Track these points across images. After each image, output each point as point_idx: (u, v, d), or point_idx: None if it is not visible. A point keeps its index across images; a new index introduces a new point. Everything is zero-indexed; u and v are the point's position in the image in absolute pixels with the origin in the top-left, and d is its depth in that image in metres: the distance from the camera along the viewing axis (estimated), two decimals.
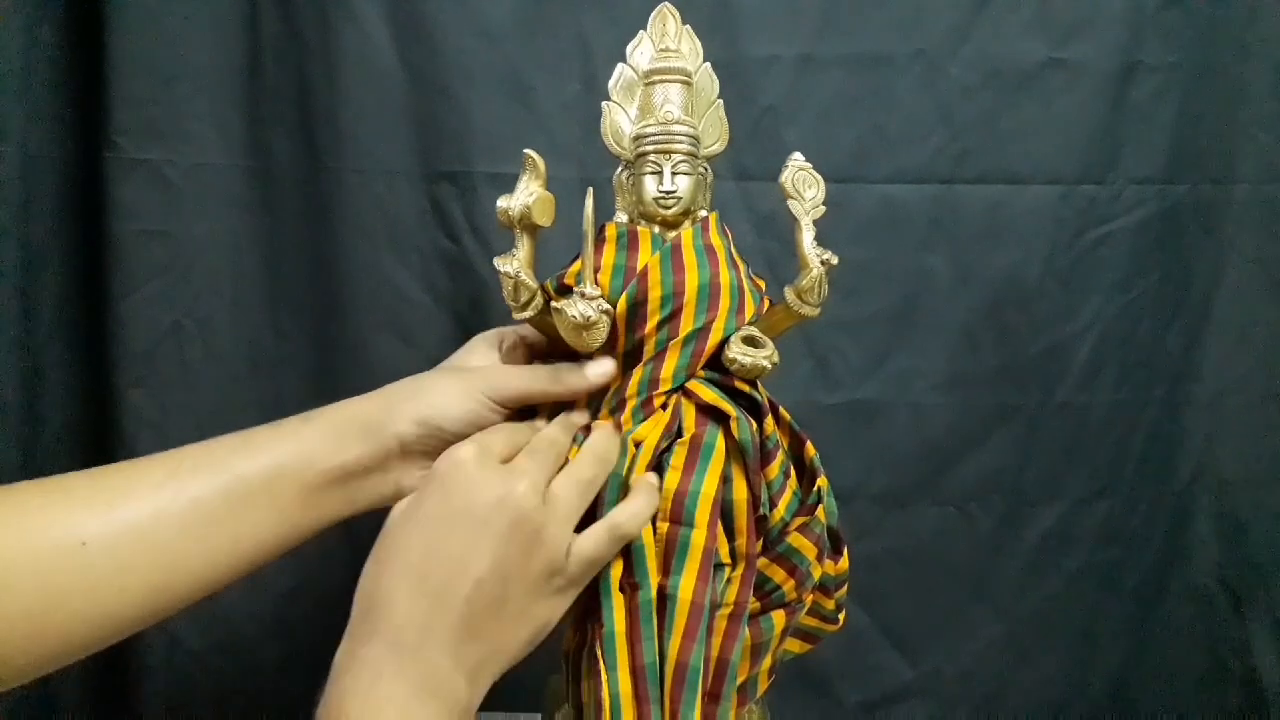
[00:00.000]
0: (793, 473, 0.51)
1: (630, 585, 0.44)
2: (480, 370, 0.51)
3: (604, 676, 0.44)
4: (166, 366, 0.77)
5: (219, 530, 0.44)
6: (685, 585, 0.44)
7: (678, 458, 0.47)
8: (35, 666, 0.40)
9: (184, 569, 0.43)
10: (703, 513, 0.45)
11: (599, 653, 0.44)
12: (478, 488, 0.42)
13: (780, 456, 0.49)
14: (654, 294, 0.48)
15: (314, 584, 0.81)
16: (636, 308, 0.48)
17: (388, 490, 0.48)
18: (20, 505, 0.41)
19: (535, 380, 0.50)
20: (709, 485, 0.45)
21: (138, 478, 0.44)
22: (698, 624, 0.43)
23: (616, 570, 0.45)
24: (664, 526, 0.45)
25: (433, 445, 0.47)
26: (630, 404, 0.49)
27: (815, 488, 0.50)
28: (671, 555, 0.44)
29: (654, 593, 0.44)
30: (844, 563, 0.53)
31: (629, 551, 0.45)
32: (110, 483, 0.43)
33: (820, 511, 0.49)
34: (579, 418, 0.50)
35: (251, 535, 0.45)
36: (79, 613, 0.41)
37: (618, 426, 0.48)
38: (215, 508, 0.44)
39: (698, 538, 0.44)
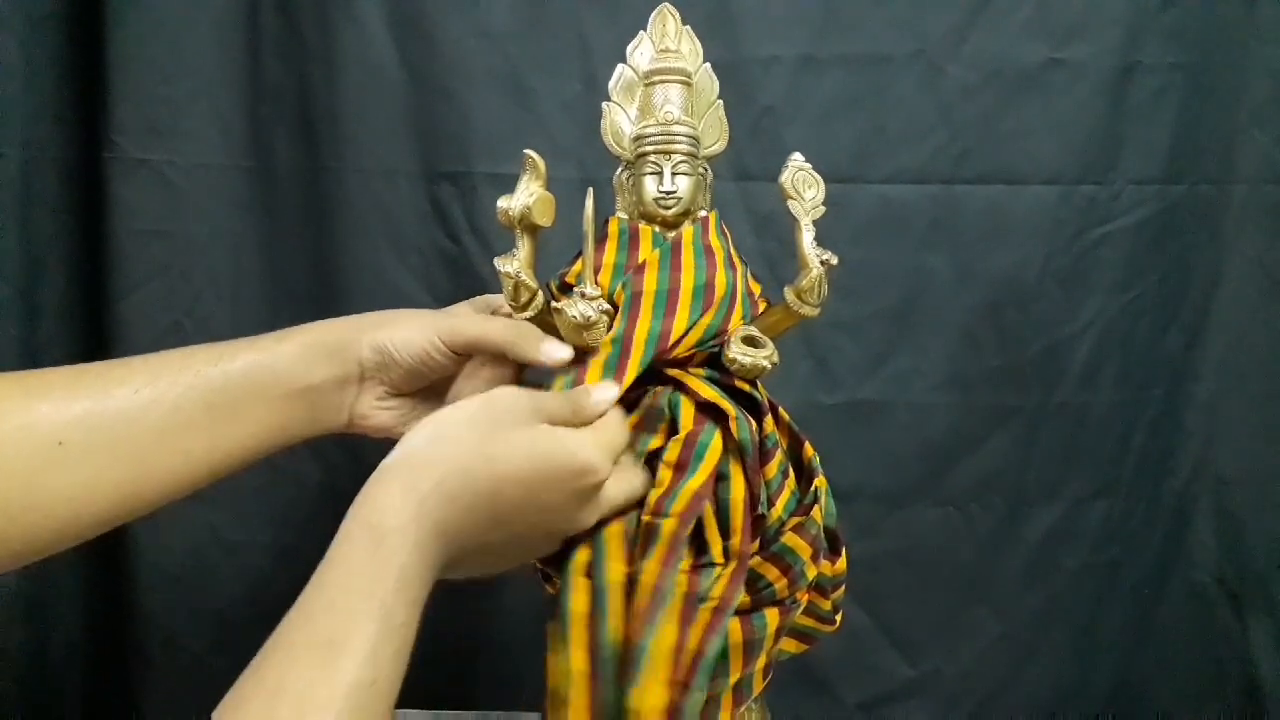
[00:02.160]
0: (791, 473, 0.50)
1: (592, 570, 0.44)
2: (445, 313, 0.53)
3: (561, 654, 0.44)
4: None
5: (193, 436, 0.45)
6: (649, 569, 0.44)
7: (671, 454, 0.46)
8: None
9: (156, 473, 0.44)
10: (679, 505, 0.45)
11: (563, 631, 0.44)
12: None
13: (779, 456, 0.49)
14: (649, 289, 0.48)
15: None
16: (632, 300, 0.48)
17: (343, 414, 0.50)
18: None
19: (489, 331, 0.50)
20: (694, 482, 0.45)
21: (116, 380, 0.44)
22: (656, 608, 0.43)
23: (582, 556, 0.45)
24: (646, 518, 0.45)
25: (384, 375, 0.50)
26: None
27: (813, 488, 0.50)
28: (648, 544, 0.44)
29: (609, 579, 0.44)
30: (842, 564, 0.53)
31: (593, 541, 0.45)
32: (88, 383, 0.44)
33: (816, 511, 0.49)
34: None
35: (223, 443, 0.46)
36: (49, 510, 0.41)
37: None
38: (192, 414, 0.45)
39: (668, 526, 0.44)
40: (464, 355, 0.51)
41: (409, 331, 0.49)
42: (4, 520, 0.40)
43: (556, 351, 0.49)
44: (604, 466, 0.43)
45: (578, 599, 0.44)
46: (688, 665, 0.44)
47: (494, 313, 0.55)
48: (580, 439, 0.43)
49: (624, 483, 0.45)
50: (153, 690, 0.80)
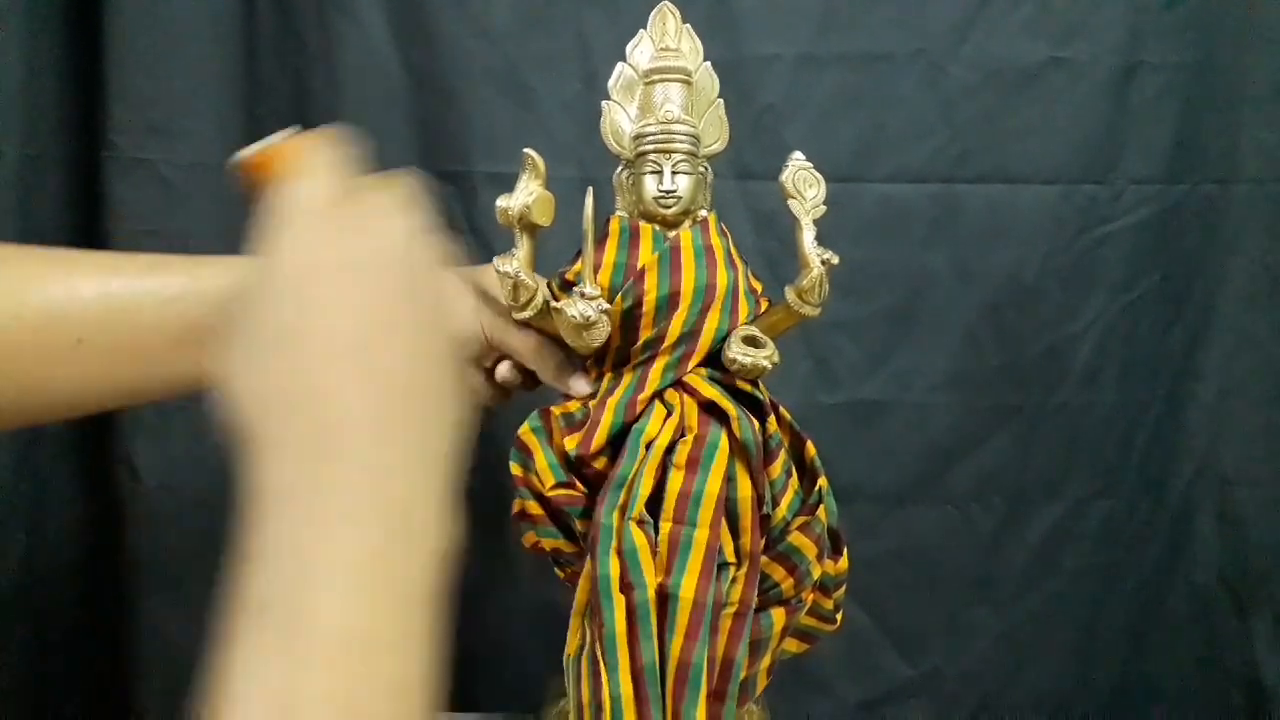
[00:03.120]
0: (794, 472, 0.50)
1: (627, 586, 0.44)
2: (489, 307, 0.51)
3: (605, 678, 0.43)
4: None
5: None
6: (687, 584, 0.44)
7: (680, 456, 0.46)
8: None
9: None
10: (706, 511, 0.45)
11: (599, 654, 0.44)
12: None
13: (783, 456, 0.49)
14: (650, 297, 0.48)
15: None
16: (632, 310, 0.48)
17: None
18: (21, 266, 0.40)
19: (526, 349, 0.51)
20: (712, 484, 0.45)
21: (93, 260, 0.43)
22: (700, 623, 0.43)
23: (615, 570, 0.45)
24: (667, 526, 0.45)
25: None
26: (615, 400, 0.49)
27: (816, 487, 0.50)
28: (674, 555, 0.44)
29: (651, 593, 0.44)
30: (843, 563, 0.53)
31: (625, 553, 0.45)
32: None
33: (821, 511, 0.49)
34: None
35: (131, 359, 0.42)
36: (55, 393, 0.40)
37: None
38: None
39: (700, 536, 0.44)
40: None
41: (457, 302, 0.49)
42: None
43: (578, 385, 0.50)
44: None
45: (619, 618, 0.44)
46: (720, 674, 0.44)
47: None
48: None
49: None
50: (151, 692, 0.80)
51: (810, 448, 0.51)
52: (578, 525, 0.48)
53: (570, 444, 0.48)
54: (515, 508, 0.50)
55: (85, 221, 0.75)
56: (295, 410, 0.29)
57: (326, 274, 0.30)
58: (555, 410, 0.50)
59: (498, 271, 0.49)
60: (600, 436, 0.47)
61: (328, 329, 0.29)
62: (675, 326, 0.48)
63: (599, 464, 0.48)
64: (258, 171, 0.36)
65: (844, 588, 0.54)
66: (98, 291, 0.41)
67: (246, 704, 0.24)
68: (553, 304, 0.49)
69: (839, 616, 0.54)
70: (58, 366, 0.39)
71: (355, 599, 0.26)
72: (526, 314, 0.50)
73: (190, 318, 0.42)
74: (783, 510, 0.48)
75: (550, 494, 0.48)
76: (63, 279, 0.41)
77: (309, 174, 0.33)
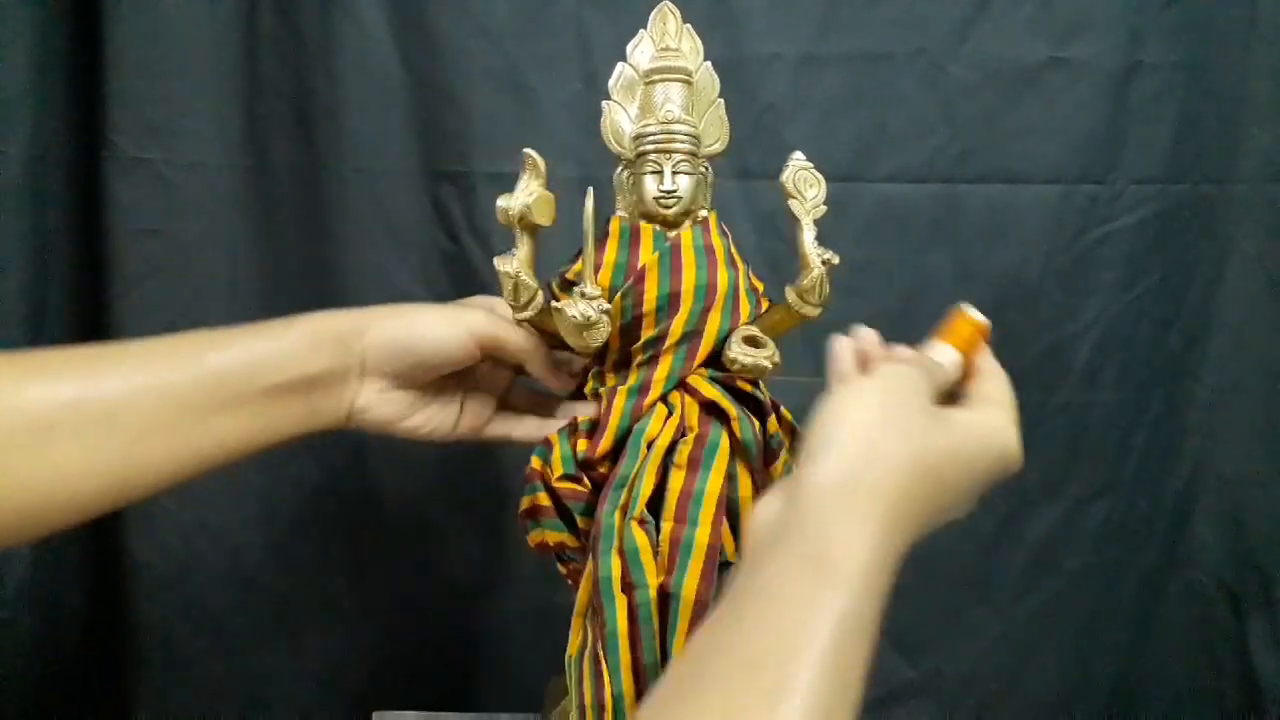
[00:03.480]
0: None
1: (628, 585, 0.44)
2: (472, 308, 0.52)
3: (606, 678, 0.43)
4: None
5: (186, 424, 0.44)
6: (689, 584, 0.44)
7: (681, 456, 0.46)
8: None
9: (148, 460, 0.43)
10: (706, 511, 0.45)
11: (601, 653, 0.44)
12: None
13: (784, 455, 0.49)
14: (650, 296, 0.48)
15: (310, 586, 0.81)
16: (632, 309, 0.48)
17: (343, 406, 0.49)
18: None
19: (527, 345, 0.51)
20: (713, 484, 0.45)
21: (110, 363, 0.44)
22: (701, 622, 0.43)
23: (617, 570, 0.45)
24: (668, 526, 0.45)
25: (394, 366, 0.49)
26: (620, 401, 0.49)
27: None
28: (675, 554, 0.44)
29: (652, 593, 0.44)
30: None
31: (626, 552, 0.45)
32: (79, 365, 0.43)
33: None
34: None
35: (216, 432, 0.45)
36: (37, 492, 0.40)
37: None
38: (185, 401, 0.44)
39: (701, 536, 0.44)
40: (488, 354, 0.51)
41: (434, 325, 0.49)
42: None
43: (580, 410, 0.51)
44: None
45: (621, 617, 0.44)
46: None
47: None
48: (1007, 420, 0.41)
49: None
50: (149, 693, 0.80)
51: None
52: (580, 522, 0.48)
53: (582, 445, 0.49)
54: (525, 504, 0.50)
55: (85, 221, 0.75)
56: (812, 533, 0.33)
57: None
58: (580, 417, 0.51)
59: (498, 271, 0.49)
60: (607, 440, 0.48)
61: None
62: (678, 326, 0.48)
63: (603, 468, 0.48)
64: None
65: None
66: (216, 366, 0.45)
67: None
68: (553, 304, 0.49)
69: None
70: (29, 455, 0.41)
71: (827, 683, 0.30)
72: (527, 314, 0.50)
73: (282, 378, 0.46)
74: None
75: (556, 485, 0.48)
76: (193, 357, 0.46)
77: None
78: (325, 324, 0.49)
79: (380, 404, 0.50)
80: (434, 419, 0.53)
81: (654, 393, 0.49)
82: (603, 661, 0.44)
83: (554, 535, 0.50)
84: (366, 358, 0.48)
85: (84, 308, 0.76)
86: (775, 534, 0.34)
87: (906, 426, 0.36)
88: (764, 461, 0.48)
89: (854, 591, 0.32)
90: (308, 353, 0.47)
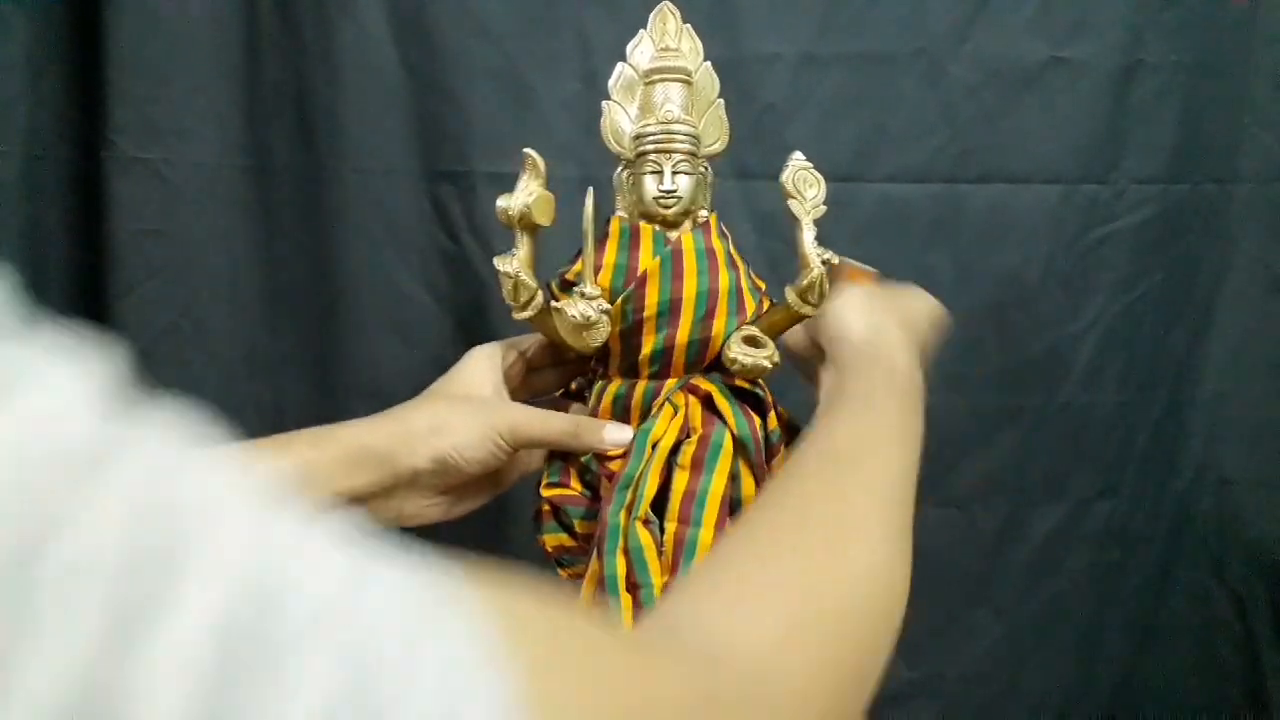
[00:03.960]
0: None
1: (634, 585, 0.44)
2: (498, 409, 0.51)
3: None
4: (163, 367, 0.77)
5: None
6: None
7: (685, 456, 0.47)
8: None
9: None
10: (710, 513, 0.45)
11: None
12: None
13: (783, 452, 0.49)
14: (651, 302, 0.48)
15: None
16: (633, 314, 0.48)
17: (389, 515, 0.49)
18: None
19: (551, 429, 0.50)
20: (716, 485, 0.46)
21: None
22: None
23: (622, 570, 0.45)
24: (672, 526, 0.45)
25: (441, 481, 0.49)
26: (636, 414, 0.50)
27: None
28: (680, 554, 0.44)
29: (657, 592, 0.44)
30: None
31: (631, 552, 0.45)
32: None
33: None
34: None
35: None
36: None
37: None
38: None
39: (704, 536, 0.45)
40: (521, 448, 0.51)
41: (468, 435, 0.49)
42: None
43: (619, 434, 0.50)
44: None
45: (625, 618, 0.44)
46: None
47: (505, 363, 0.54)
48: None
49: None
50: None
51: None
52: (578, 525, 0.49)
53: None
54: (534, 508, 0.52)
55: (86, 221, 0.75)
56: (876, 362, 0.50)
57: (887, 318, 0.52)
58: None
59: (498, 271, 0.49)
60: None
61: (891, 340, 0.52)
62: (682, 335, 0.49)
63: (615, 465, 0.48)
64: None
65: None
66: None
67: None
68: (553, 304, 0.49)
69: None
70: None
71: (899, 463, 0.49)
72: (527, 314, 0.50)
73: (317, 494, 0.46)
74: None
75: (544, 493, 0.50)
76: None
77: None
78: (361, 442, 0.48)
79: (427, 511, 0.51)
80: (473, 500, 0.54)
81: (664, 396, 0.50)
82: None
83: (553, 538, 0.50)
84: (417, 474, 0.48)
85: (84, 308, 0.76)
86: (854, 366, 0.49)
87: (884, 298, 0.53)
88: (765, 457, 0.48)
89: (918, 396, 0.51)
90: (347, 473, 0.47)
